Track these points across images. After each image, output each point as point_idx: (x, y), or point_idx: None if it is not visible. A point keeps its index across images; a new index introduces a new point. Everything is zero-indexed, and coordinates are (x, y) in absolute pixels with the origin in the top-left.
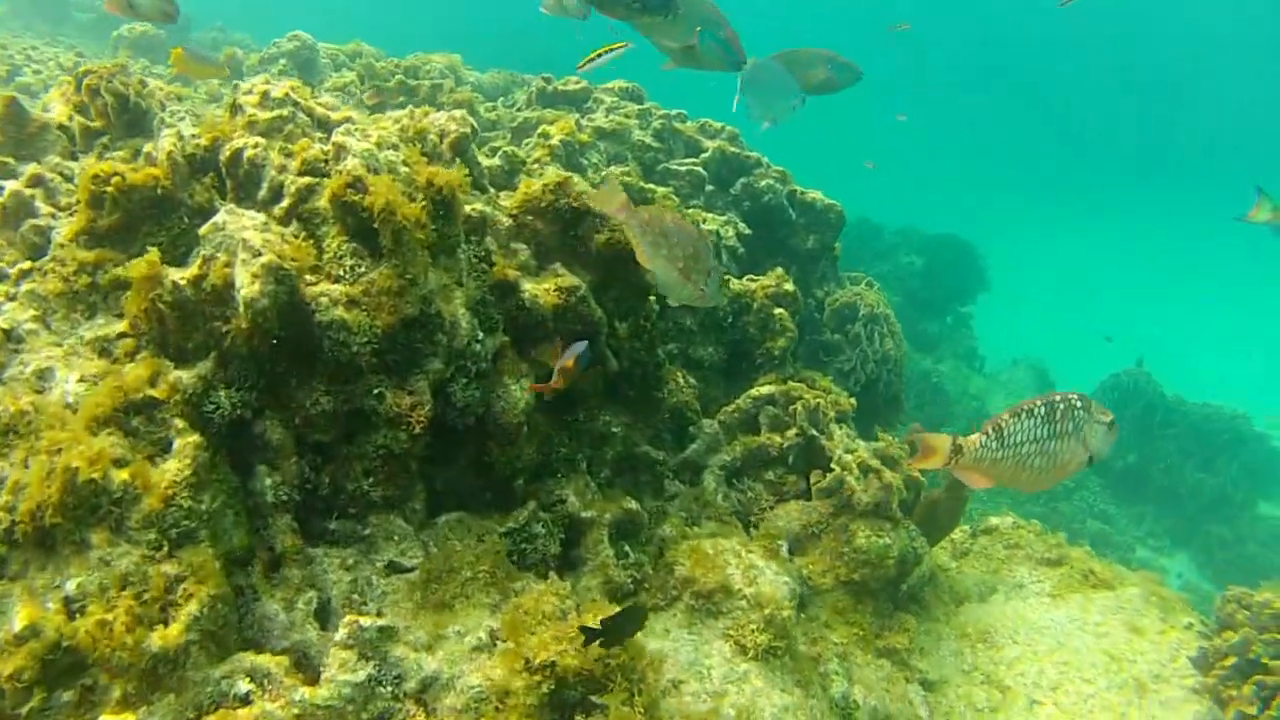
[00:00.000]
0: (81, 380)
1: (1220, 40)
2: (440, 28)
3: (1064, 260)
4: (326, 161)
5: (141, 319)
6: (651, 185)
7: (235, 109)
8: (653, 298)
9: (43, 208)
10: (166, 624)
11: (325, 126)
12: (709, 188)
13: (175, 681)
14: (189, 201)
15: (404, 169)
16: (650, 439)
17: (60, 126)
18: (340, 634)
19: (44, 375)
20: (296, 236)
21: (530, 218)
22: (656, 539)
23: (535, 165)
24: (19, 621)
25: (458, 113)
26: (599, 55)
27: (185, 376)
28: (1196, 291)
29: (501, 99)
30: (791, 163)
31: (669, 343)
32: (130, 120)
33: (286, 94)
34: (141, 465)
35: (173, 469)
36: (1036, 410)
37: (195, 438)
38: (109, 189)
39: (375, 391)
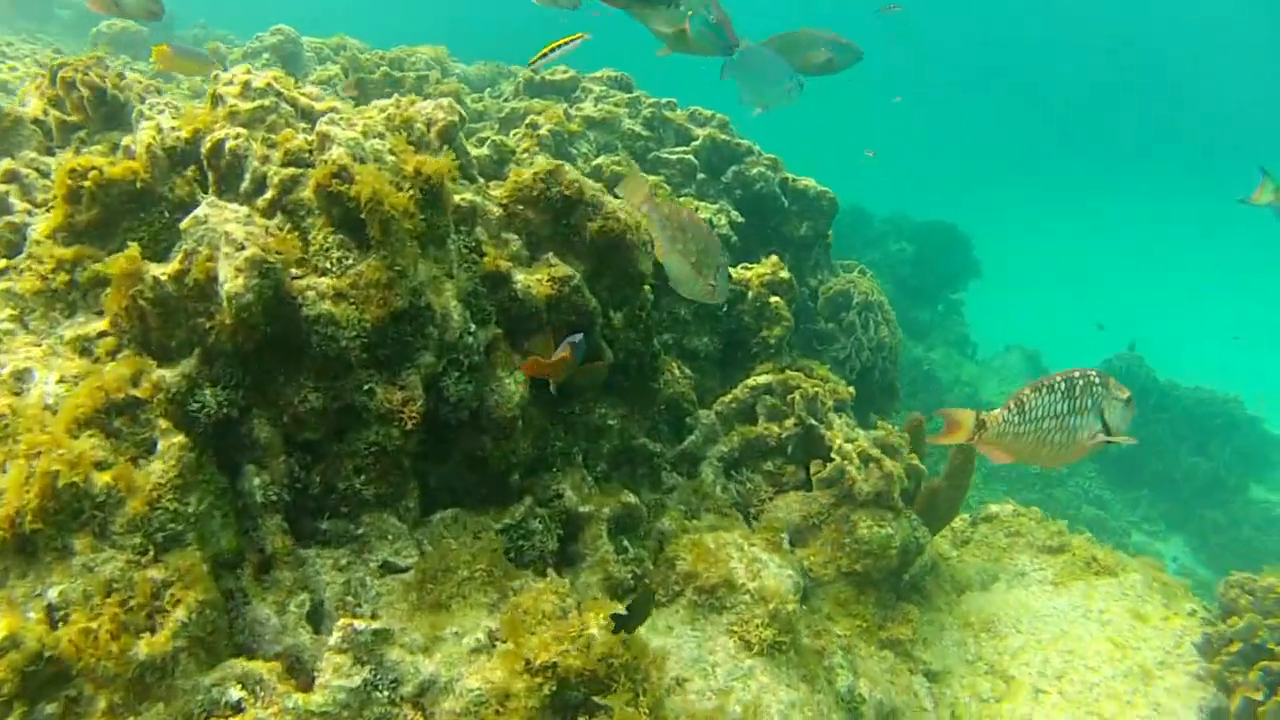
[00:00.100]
0: (61, 381)
1: (1218, 25)
2: (425, 22)
3: (1055, 247)
4: (311, 152)
5: (122, 316)
6: (642, 174)
7: (216, 100)
8: (647, 287)
9: (18, 204)
10: (154, 631)
11: (309, 117)
12: (700, 176)
13: (164, 690)
14: (169, 195)
15: (391, 158)
16: (647, 431)
17: (35, 121)
18: (334, 638)
19: (22, 376)
20: (281, 229)
21: (521, 207)
22: (656, 533)
23: (525, 155)
24: None
25: (445, 101)
26: (554, 48)
27: (169, 375)
28: (1194, 279)
29: (488, 90)
30: (780, 150)
31: (663, 333)
32: (108, 113)
33: (269, 84)
34: (125, 467)
35: (157, 470)
36: (1057, 386)
37: (180, 438)
38: (86, 184)
39: (365, 387)
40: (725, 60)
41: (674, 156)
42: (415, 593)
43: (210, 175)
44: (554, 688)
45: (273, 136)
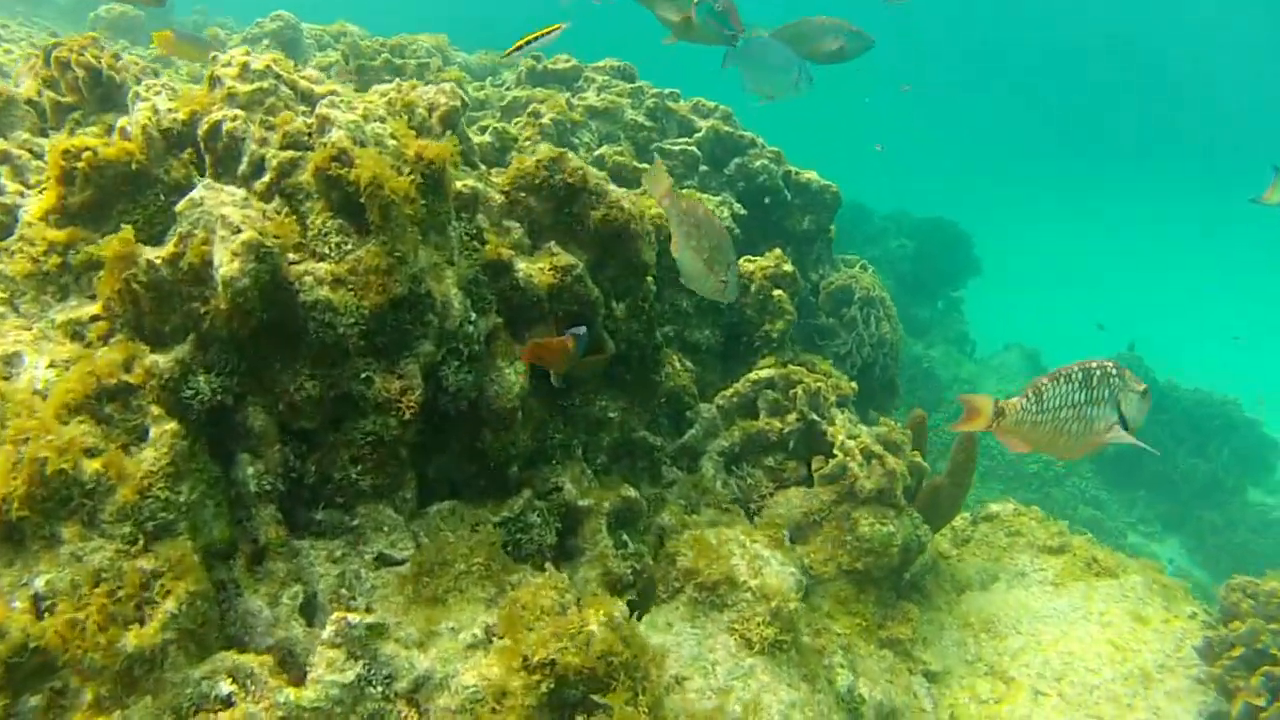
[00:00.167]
0: (51, 365)
1: (1218, 25)
2: (426, 9)
3: (1055, 247)
4: (310, 135)
5: (115, 300)
6: (645, 165)
7: (214, 81)
8: (650, 278)
9: (9, 185)
10: (142, 622)
11: (309, 100)
12: (703, 168)
13: (152, 683)
14: (165, 178)
15: (392, 142)
16: (647, 424)
17: (29, 101)
18: (327, 631)
19: (11, 361)
20: (279, 213)
21: (523, 194)
22: (655, 528)
23: (527, 143)
24: None
25: (447, 85)
26: (533, 38)
27: (162, 361)
28: (1194, 279)
29: (490, 79)
30: (781, 143)
31: (664, 325)
32: (104, 94)
33: (268, 66)
34: (115, 455)
35: (149, 458)
36: (1074, 375)
37: (173, 425)
38: (80, 165)
39: (363, 375)
40: (728, 49)
41: (677, 147)
42: (411, 586)
43: (207, 158)
44: (552, 685)
45: (271, 119)
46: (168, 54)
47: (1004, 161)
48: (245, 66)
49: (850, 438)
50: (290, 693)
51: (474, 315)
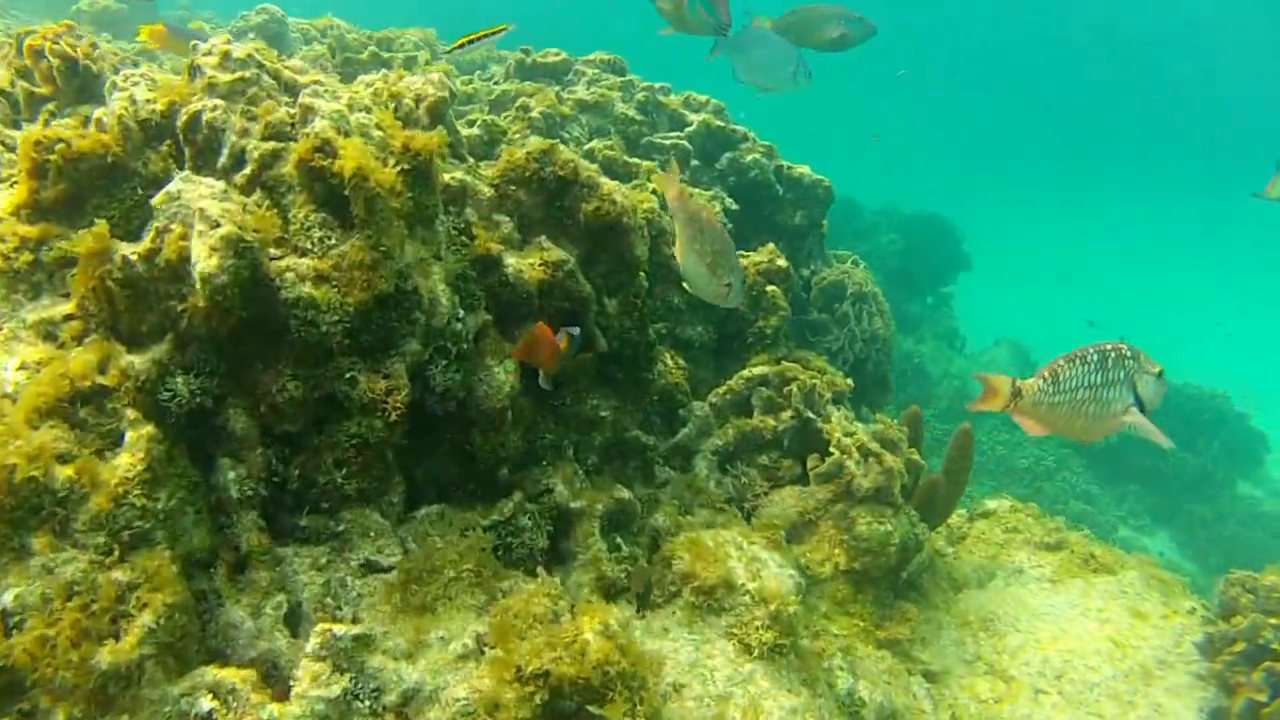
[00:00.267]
0: (22, 367)
1: (1218, 24)
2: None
3: (1048, 244)
4: (293, 125)
5: (90, 299)
6: (636, 159)
7: (194, 71)
8: (642, 274)
9: None
10: (118, 637)
11: (292, 91)
12: (694, 162)
13: (129, 701)
14: (143, 171)
15: (377, 133)
16: (640, 423)
17: (1, 92)
18: (312, 644)
19: None
20: (260, 206)
21: (513, 188)
22: (649, 529)
23: (516, 136)
24: None
25: (435, 76)
26: (475, 38)
27: (138, 361)
28: (1190, 278)
29: (478, 73)
30: (772, 138)
31: (656, 321)
32: (80, 85)
33: (250, 55)
34: (89, 461)
35: (124, 464)
36: (1089, 357)
37: (149, 429)
38: (53, 157)
39: (347, 375)
40: (716, 40)
41: (668, 142)
42: (399, 594)
43: (187, 150)
44: (546, 697)
45: (253, 109)
46: (159, 48)
47: (998, 158)
48: (227, 55)
49: (846, 435)
50: (274, 709)
51: (462, 312)
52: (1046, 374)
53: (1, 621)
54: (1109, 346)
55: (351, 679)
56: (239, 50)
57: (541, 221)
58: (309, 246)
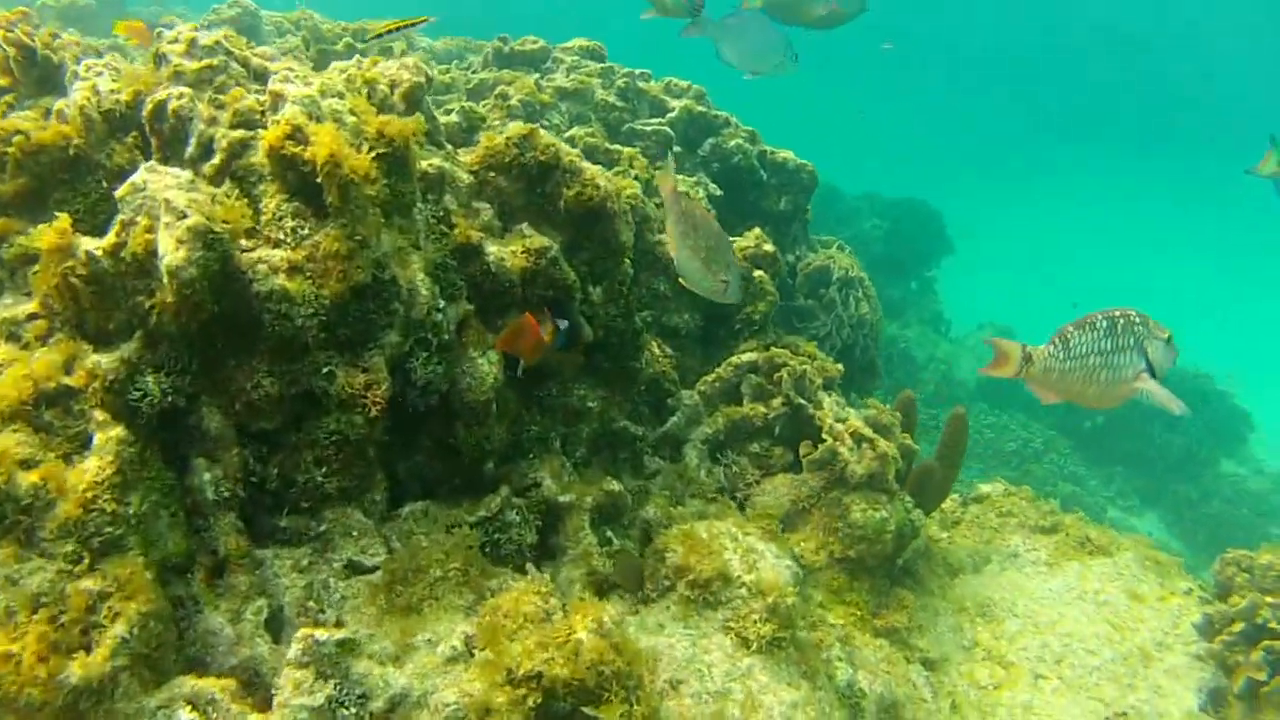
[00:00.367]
0: None
1: (1206, 7)
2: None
3: (1033, 229)
4: (263, 113)
5: (53, 296)
6: (617, 146)
7: (159, 59)
8: (627, 260)
9: None
10: (89, 650)
11: (262, 78)
12: (676, 148)
13: (101, 716)
14: (107, 163)
15: (351, 119)
16: (628, 413)
17: None
18: (294, 650)
19: None
20: (229, 196)
21: (493, 174)
22: (640, 522)
23: (496, 124)
24: None
25: (410, 60)
26: (395, 27)
27: (106, 361)
28: (1184, 262)
29: (455, 63)
30: (753, 123)
31: (642, 309)
32: (40, 76)
33: (217, 42)
34: (55, 465)
35: (93, 468)
36: (1099, 323)
37: (119, 431)
38: (11, 150)
39: (325, 370)
40: (690, 20)
41: (649, 128)
42: (384, 595)
43: (153, 141)
44: (539, 699)
45: (221, 97)
46: (137, 45)
47: (985, 145)
48: (193, 43)
49: (839, 421)
50: (255, 719)
51: (443, 302)
52: (1057, 340)
53: None
54: (1117, 312)
55: (336, 685)
56: (206, 38)
57: (523, 208)
58: (282, 237)
